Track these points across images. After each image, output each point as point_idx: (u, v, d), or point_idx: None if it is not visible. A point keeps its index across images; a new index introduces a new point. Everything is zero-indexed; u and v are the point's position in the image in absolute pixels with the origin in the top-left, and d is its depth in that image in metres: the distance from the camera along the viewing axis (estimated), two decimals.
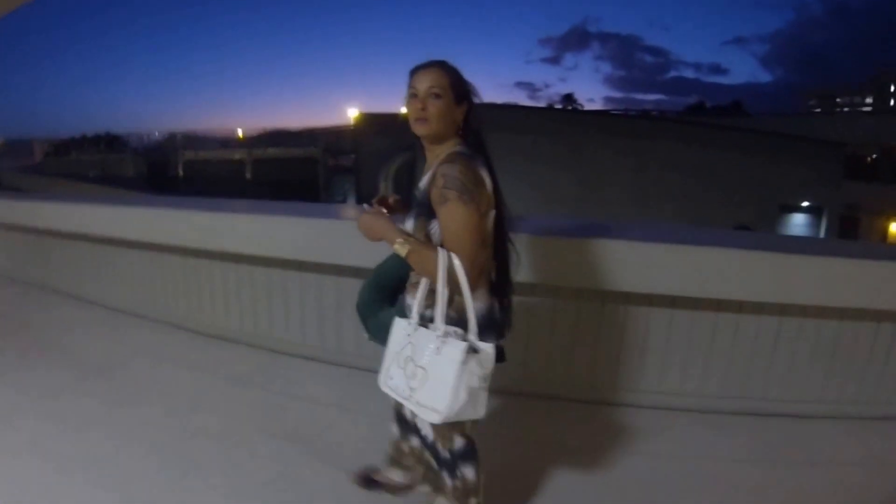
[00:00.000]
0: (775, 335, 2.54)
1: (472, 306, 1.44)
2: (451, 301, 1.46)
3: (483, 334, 1.47)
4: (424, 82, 1.48)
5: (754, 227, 14.33)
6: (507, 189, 1.59)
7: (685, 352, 2.60)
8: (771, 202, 16.09)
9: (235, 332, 3.36)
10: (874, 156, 20.79)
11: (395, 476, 1.96)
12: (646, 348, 2.62)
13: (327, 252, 2.80)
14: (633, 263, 2.43)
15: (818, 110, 38.87)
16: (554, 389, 2.72)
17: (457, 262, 1.41)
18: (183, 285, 3.53)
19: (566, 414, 2.62)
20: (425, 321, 1.50)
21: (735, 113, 39.42)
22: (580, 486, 2.13)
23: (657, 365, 2.64)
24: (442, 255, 1.41)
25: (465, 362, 1.39)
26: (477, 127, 1.56)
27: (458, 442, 1.66)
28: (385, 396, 1.58)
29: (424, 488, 1.89)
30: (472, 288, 1.44)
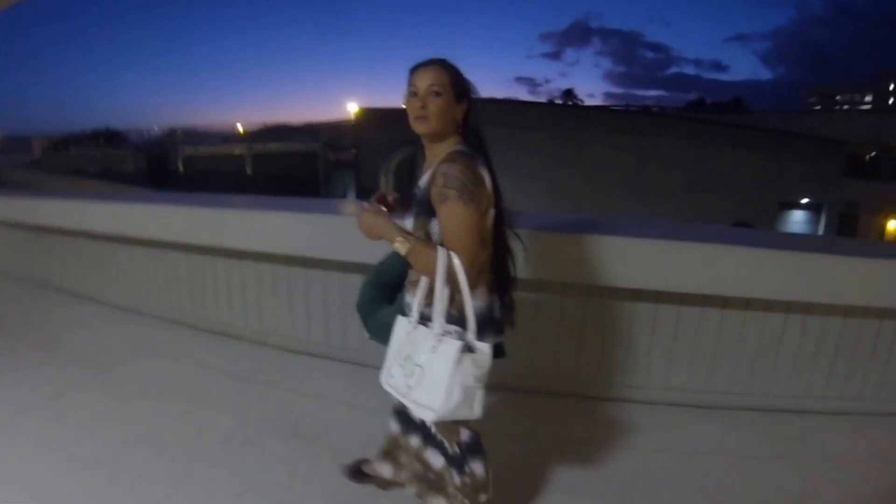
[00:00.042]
0: (780, 332, 2.55)
1: (472, 305, 1.45)
2: (452, 300, 1.47)
3: (482, 332, 1.48)
4: (424, 80, 1.49)
5: (754, 224, 14.34)
6: (507, 184, 1.59)
7: (692, 348, 2.61)
8: (771, 199, 16.09)
9: (240, 328, 3.36)
10: (874, 154, 20.80)
11: (385, 470, 1.96)
12: (653, 344, 2.63)
13: (333, 248, 2.80)
14: (640, 260, 2.44)
15: (818, 108, 38.84)
16: (560, 386, 2.73)
17: (456, 261, 1.42)
18: (187, 282, 3.53)
19: (572, 410, 2.63)
20: (425, 320, 1.51)
21: (736, 110, 39.36)
22: (585, 481, 2.15)
23: (664, 361, 2.65)
24: (442, 253, 1.41)
25: (459, 361, 1.40)
26: (476, 125, 1.56)
27: (465, 435, 1.67)
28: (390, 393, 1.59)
29: (412, 489, 1.89)
30: (472, 286, 1.44)
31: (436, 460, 1.76)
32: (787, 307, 2.50)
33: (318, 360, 3.09)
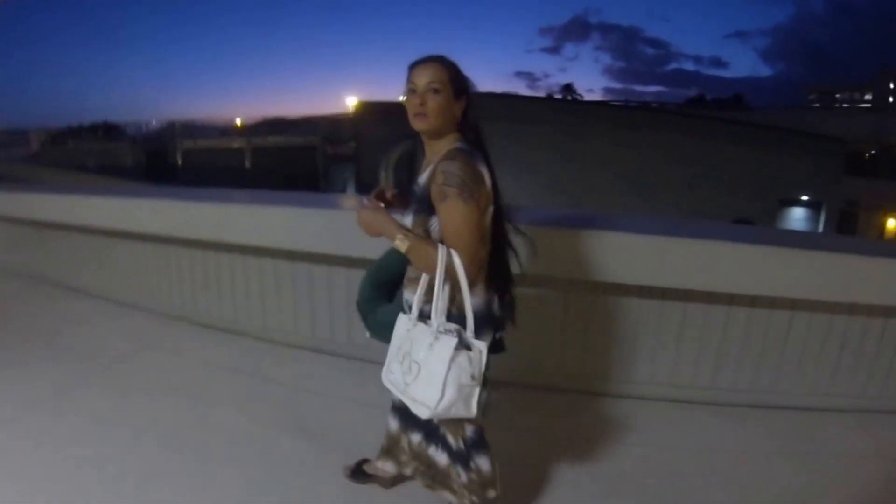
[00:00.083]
0: (786, 329, 2.55)
1: (471, 302, 1.45)
2: (452, 298, 1.48)
3: (479, 330, 1.48)
4: (423, 77, 1.49)
5: (754, 221, 14.35)
6: (507, 179, 1.60)
7: (698, 345, 2.61)
8: (771, 196, 16.10)
9: (243, 324, 3.35)
10: (873, 152, 20.82)
11: (388, 467, 1.96)
12: (659, 341, 2.64)
13: (338, 244, 2.78)
14: (647, 257, 2.43)
15: (818, 105, 38.86)
16: (566, 381, 2.74)
17: (456, 259, 1.42)
18: (189, 277, 3.51)
19: (576, 406, 2.63)
20: (424, 317, 1.52)
21: (736, 106, 39.41)
22: (590, 477, 2.15)
23: (670, 358, 2.65)
24: (442, 251, 1.42)
25: (454, 359, 1.41)
26: (475, 122, 1.57)
27: (469, 429, 1.67)
28: None
29: (420, 482, 1.89)
30: (471, 284, 1.45)
31: (439, 457, 1.75)
32: (793, 304, 2.50)
33: (323, 357, 3.08)
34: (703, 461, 2.27)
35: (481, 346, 1.46)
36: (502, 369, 2.65)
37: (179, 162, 33.78)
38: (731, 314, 2.55)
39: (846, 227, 17.58)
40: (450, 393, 1.41)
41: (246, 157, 33.42)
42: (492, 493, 1.70)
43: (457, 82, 1.51)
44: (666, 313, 2.59)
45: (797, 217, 16.98)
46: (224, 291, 3.37)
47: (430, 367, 1.43)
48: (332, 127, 34.24)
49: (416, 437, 1.81)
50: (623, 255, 2.43)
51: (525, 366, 2.70)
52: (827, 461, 2.29)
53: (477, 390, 1.46)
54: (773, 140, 16.22)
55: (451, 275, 1.43)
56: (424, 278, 1.51)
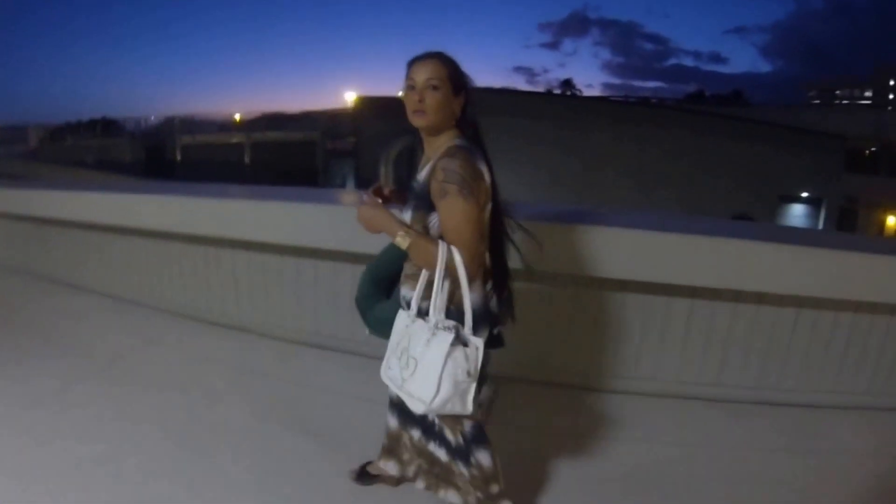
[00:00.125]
0: (792, 326, 2.55)
1: (470, 298, 1.46)
2: (451, 295, 1.49)
3: (476, 326, 1.49)
4: (422, 74, 1.49)
5: (754, 217, 14.36)
6: (505, 174, 1.60)
7: (704, 342, 2.61)
8: (771, 192, 16.11)
9: (246, 321, 3.34)
10: (873, 149, 20.80)
11: (390, 468, 1.96)
12: (665, 338, 2.63)
13: (343, 240, 2.76)
14: (653, 254, 2.43)
15: (818, 102, 38.84)
16: (571, 377, 2.74)
17: (457, 256, 1.43)
18: (191, 273, 3.49)
19: (581, 401, 2.63)
20: (423, 313, 1.52)
21: (735, 102, 39.38)
22: (594, 473, 2.15)
23: (676, 354, 2.65)
24: (442, 247, 1.43)
25: (450, 354, 1.41)
26: (474, 118, 1.57)
27: (468, 425, 1.67)
28: None
29: (421, 483, 1.89)
30: (470, 280, 1.46)
31: (440, 453, 1.75)
32: (799, 302, 2.50)
33: (327, 353, 3.07)
34: (708, 458, 2.27)
35: (478, 343, 1.47)
36: (510, 365, 2.67)
37: (178, 157, 33.62)
38: (738, 311, 2.55)
39: (846, 224, 17.59)
40: (445, 388, 1.41)
41: (245, 153, 33.30)
42: (495, 488, 1.70)
43: (456, 79, 1.52)
44: (673, 310, 2.58)
45: (797, 214, 17.00)
46: (227, 287, 3.36)
47: (426, 362, 1.44)
48: (331, 122, 34.11)
49: (416, 434, 1.81)
50: (630, 251, 2.43)
51: (530, 362, 2.71)
52: (831, 458, 2.29)
53: (473, 386, 1.47)
54: (774, 136, 16.21)
55: (450, 271, 1.44)
56: (424, 275, 1.51)
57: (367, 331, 1.78)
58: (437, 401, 1.42)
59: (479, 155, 1.51)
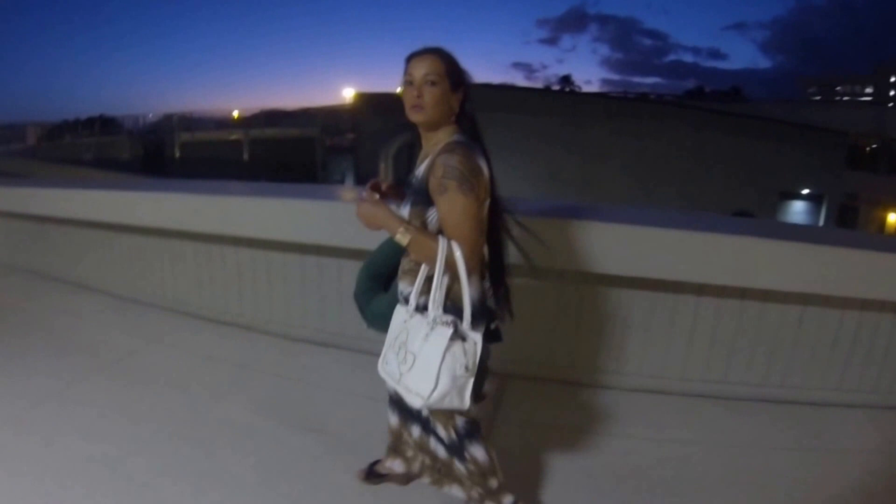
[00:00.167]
0: (798, 324, 2.54)
1: (469, 294, 1.46)
2: (448, 290, 1.49)
3: (474, 321, 1.49)
4: (420, 69, 1.50)
5: (754, 213, 14.37)
6: (504, 170, 1.60)
7: (710, 339, 2.60)
8: (771, 188, 16.11)
9: (249, 319, 3.32)
10: (874, 146, 20.75)
11: (397, 466, 1.96)
12: (672, 335, 2.62)
13: (348, 236, 2.73)
14: (660, 251, 2.42)
15: (818, 98, 38.81)
16: (576, 374, 2.73)
17: (457, 251, 1.43)
18: (194, 271, 3.47)
19: (588, 398, 2.62)
20: (421, 308, 1.53)
21: (734, 98, 39.34)
22: (601, 469, 2.14)
23: (681, 351, 2.64)
24: (442, 243, 1.43)
25: (448, 349, 1.42)
26: (472, 114, 1.57)
27: (460, 420, 1.67)
28: None
29: (426, 480, 1.89)
30: (469, 275, 1.46)
31: (439, 449, 1.76)
32: (805, 300, 2.49)
33: (332, 351, 3.05)
34: (713, 454, 2.26)
35: (476, 338, 1.48)
36: (514, 362, 2.64)
37: (177, 155, 33.56)
38: (744, 309, 2.54)
39: (847, 221, 17.58)
40: (443, 383, 1.42)
41: (244, 149, 33.23)
42: (494, 482, 1.70)
43: (454, 74, 1.52)
44: (679, 307, 2.58)
45: (797, 210, 17.02)
46: (230, 285, 3.34)
47: (425, 357, 1.44)
48: (330, 118, 34.06)
49: (416, 430, 1.81)
50: (637, 248, 2.42)
51: (534, 359, 2.72)
52: (836, 456, 2.29)
53: (471, 381, 1.47)
54: (774, 133, 16.20)
55: (450, 267, 1.44)
56: (423, 270, 1.52)
57: (365, 325, 1.78)
58: (436, 395, 1.43)
59: (478, 150, 1.52)
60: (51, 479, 2.04)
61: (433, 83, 1.48)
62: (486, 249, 1.59)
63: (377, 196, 1.64)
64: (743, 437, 2.39)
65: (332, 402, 2.58)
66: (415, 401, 1.47)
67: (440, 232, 1.48)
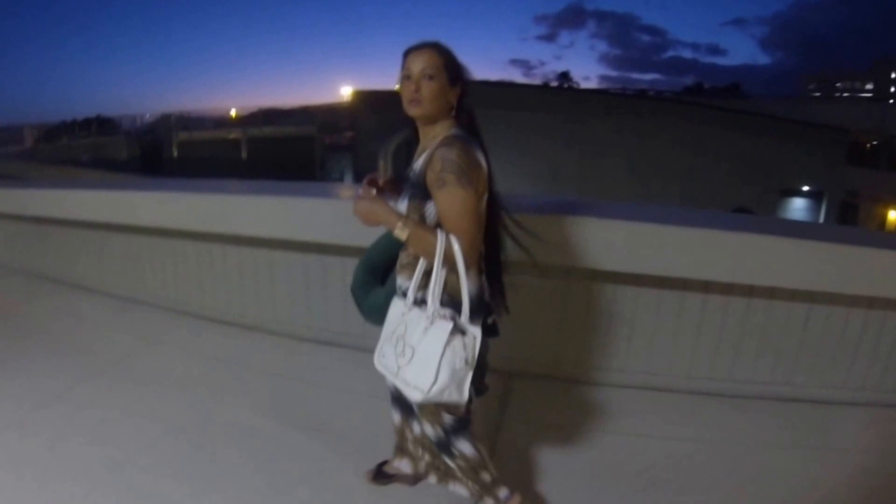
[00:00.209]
0: (804, 322, 2.53)
1: (467, 288, 1.46)
2: (445, 284, 1.49)
3: (472, 315, 1.49)
4: (418, 64, 1.49)
5: (754, 210, 14.37)
6: (503, 166, 1.60)
7: (716, 336, 2.59)
8: (771, 185, 16.10)
9: (251, 318, 3.30)
10: (874, 142, 20.70)
11: (404, 466, 1.96)
12: (678, 332, 2.61)
13: (351, 235, 2.71)
14: (663, 247, 2.41)
15: (817, 94, 38.80)
16: (581, 372, 2.72)
17: (455, 245, 1.43)
18: (195, 271, 3.44)
19: (593, 397, 2.61)
20: (419, 302, 1.53)
21: (734, 94, 39.30)
22: (604, 467, 2.13)
23: (687, 349, 2.63)
24: (441, 237, 1.43)
25: (449, 342, 1.42)
26: (470, 108, 1.57)
27: (447, 417, 1.66)
28: None
29: (432, 478, 1.89)
30: (467, 269, 1.46)
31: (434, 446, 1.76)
32: (812, 297, 2.47)
33: (336, 350, 3.02)
34: (718, 452, 2.26)
35: (475, 332, 1.48)
36: (521, 360, 2.64)
37: (175, 154, 33.51)
38: (750, 306, 2.53)
39: (847, 218, 17.56)
40: (443, 377, 1.42)
41: (242, 148, 33.18)
42: (486, 477, 1.70)
43: (452, 69, 1.52)
44: (686, 304, 2.56)
45: (798, 207, 17.02)
46: (232, 285, 3.32)
47: (424, 350, 1.44)
48: (328, 116, 34.04)
49: (417, 426, 1.81)
50: (640, 245, 2.41)
51: (537, 357, 2.72)
52: (841, 454, 2.28)
53: (470, 375, 1.47)
54: (774, 129, 16.20)
55: (448, 260, 1.44)
56: (421, 264, 1.52)
57: (362, 319, 1.78)
58: (435, 389, 1.42)
59: (477, 144, 1.52)
60: (55, 481, 2.03)
61: (431, 77, 1.48)
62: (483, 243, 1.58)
63: (374, 192, 1.63)
64: (748, 434, 2.38)
65: (336, 401, 2.56)
66: (414, 394, 1.47)
67: (438, 226, 1.48)
